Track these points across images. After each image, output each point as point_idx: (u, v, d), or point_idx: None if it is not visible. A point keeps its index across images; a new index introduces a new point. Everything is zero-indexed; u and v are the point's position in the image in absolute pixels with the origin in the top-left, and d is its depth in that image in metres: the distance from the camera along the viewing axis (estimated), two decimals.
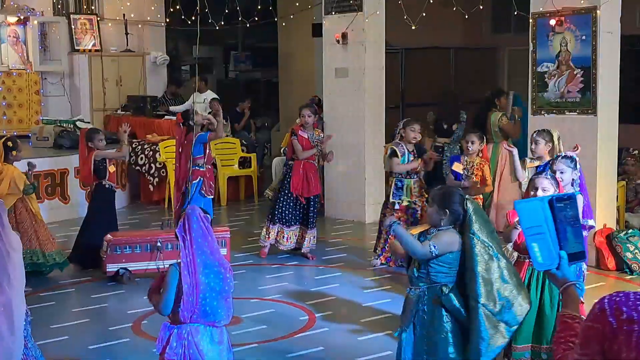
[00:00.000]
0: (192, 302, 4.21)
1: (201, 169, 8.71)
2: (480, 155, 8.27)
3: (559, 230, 2.44)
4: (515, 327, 4.71)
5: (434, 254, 4.59)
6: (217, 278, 4.28)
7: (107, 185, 8.52)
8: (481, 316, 4.53)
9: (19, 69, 13.56)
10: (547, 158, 7.08)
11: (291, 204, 8.85)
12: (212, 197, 9.14)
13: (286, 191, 8.84)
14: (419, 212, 8.19)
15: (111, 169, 8.59)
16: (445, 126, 11.15)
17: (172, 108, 12.83)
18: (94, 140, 8.46)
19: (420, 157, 8.38)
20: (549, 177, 5.51)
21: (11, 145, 7.74)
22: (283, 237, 8.88)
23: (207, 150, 8.85)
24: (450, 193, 4.85)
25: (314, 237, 9.00)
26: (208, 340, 4.29)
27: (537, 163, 7.27)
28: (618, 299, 2.07)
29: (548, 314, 5.33)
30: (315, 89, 14.35)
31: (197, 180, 8.67)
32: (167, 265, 7.62)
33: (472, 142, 8.26)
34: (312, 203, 8.90)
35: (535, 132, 7.51)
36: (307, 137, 8.82)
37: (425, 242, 4.64)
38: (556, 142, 7.20)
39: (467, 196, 4.84)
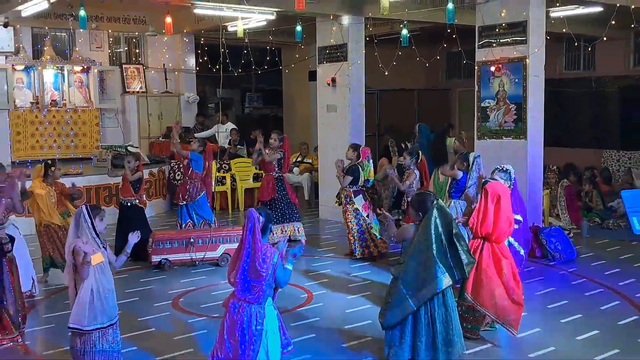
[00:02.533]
0: (237, 279, 4.23)
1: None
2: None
3: None
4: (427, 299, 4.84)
5: (393, 242, 4.99)
6: (251, 266, 4.20)
7: (121, 201, 8.43)
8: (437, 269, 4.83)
9: (83, 106, 13.54)
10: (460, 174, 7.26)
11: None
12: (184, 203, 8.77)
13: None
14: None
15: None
16: (403, 146, 11.23)
17: (197, 135, 12.81)
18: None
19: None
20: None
21: (50, 163, 7.48)
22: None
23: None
24: (422, 197, 5.05)
25: (298, 229, 8.97)
26: (247, 314, 4.24)
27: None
28: None
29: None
30: (311, 122, 14.40)
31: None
32: (199, 256, 7.67)
33: (404, 158, 8.45)
34: (274, 205, 8.82)
35: (458, 156, 7.63)
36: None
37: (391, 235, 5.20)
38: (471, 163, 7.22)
39: (436, 199, 4.94)
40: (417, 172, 8.43)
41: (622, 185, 11.33)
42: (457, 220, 5.43)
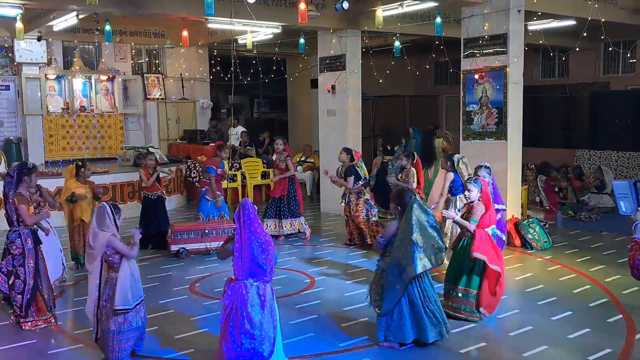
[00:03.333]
0: (241, 265, 4.26)
1: (206, 181, 8.55)
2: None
3: (638, 195, 3.45)
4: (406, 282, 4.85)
5: (384, 243, 5.02)
6: (260, 249, 4.28)
7: (145, 194, 8.48)
8: (415, 255, 4.83)
9: (108, 112, 13.55)
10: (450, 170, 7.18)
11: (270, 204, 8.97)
12: (217, 200, 8.55)
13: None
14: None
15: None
16: (389, 148, 11.23)
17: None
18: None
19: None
20: (473, 181, 5.64)
21: (81, 164, 7.45)
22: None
23: (220, 172, 8.61)
24: (401, 194, 5.12)
25: (302, 224, 8.92)
26: (254, 293, 4.29)
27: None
28: None
29: (459, 265, 5.52)
30: (312, 125, 14.39)
31: (204, 188, 8.63)
32: (213, 245, 7.69)
33: (401, 159, 8.38)
34: (284, 201, 8.81)
35: (444, 156, 7.60)
36: (275, 158, 8.96)
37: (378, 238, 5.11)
38: (455, 162, 7.20)
39: (413, 195, 4.97)
40: (413, 170, 8.39)
41: (594, 182, 11.31)
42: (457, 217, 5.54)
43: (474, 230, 5.43)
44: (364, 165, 8.62)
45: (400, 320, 4.88)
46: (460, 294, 5.50)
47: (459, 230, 5.89)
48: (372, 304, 5.08)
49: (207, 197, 8.58)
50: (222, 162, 8.70)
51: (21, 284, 5.43)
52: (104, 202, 4.82)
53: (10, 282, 5.47)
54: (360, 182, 8.35)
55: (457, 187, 7.26)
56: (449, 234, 6.97)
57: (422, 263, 4.80)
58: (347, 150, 8.53)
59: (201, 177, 8.89)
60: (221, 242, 7.89)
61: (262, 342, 4.28)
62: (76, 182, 7.29)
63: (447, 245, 5.30)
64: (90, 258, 4.68)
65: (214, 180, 8.47)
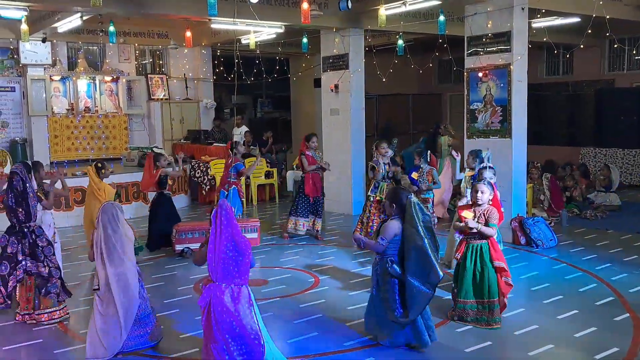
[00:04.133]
0: (215, 267, 4.20)
1: (234, 180, 8.65)
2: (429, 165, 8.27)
3: None
4: (434, 284, 4.78)
5: (385, 245, 4.82)
6: (236, 252, 4.20)
7: (166, 194, 8.42)
8: (436, 265, 4.72)
9: (113, 112, 13.55)
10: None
11: (306, 203, 8.82)
12: (243, 199, 8.94)
13: (302, 194, 8.80)
14: None
15: (170, 182, 8.54)
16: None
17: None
18: (159, 161, 8.28)
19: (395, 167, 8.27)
20: (486, 183, 5.54)
21: (100, 165, 7.56)
22: (299, 225, 8.82)
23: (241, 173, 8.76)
24: (398, 192, 4.94)
25: (320, 224, 8.96)
26: (228, 295, 4.22)
27: (471, 172, 7.23)
28: None
29: (478, 277, 5.35)
30: (315, 124, 14.37)
31: (232, 187, 8.67)
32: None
33: (415, 159, 8.32)
34: (319, 201, 8.85)
35: (470, 152, 7.49)
36: (311, 155, 8.83)
37: (378, 239, 4.86)
38: (484, 157, 7.16)
39: (410, 195, 4.86)
40: (434, 169, 8.35)
41: (604, 180, 11.24)
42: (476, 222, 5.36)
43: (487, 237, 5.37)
44: None
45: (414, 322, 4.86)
46: (487, 307, 5.35)
47: (458, 236, 5.81)
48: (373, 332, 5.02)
49: (240, 198, 8.70)
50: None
51: (56, 271, 5.69)
52: (109, 204, 4.83)
53: (47, 271, 5.63)
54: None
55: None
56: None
57: (439, 265, 4.76)
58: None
59: (228, 178, 8.75)
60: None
61: (249, 342, 4.22)
62: (105, 183, 7.49)
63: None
64: (108, 260, 4.70)
65: (245, 171, 8.77)
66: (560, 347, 4.97)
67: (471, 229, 5.29)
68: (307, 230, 8.89)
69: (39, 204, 5.79)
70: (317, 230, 8.92)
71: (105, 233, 4.67)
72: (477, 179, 6.67)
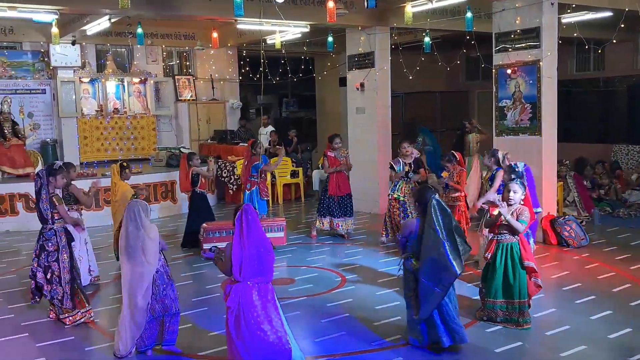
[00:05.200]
0: (241, 267, 4.24)
1: (256, 180, 8.71)
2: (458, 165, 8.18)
3: None
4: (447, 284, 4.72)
5: (402, 240, 4.95)
6: (264, 251, 4.29)
7: (198, 192, 8.51)
8: (451, 261, 4.67)
9: (141, 113, 13.71)
10: (494, 167, 6.99)
11: (333, 202, 8.83)
12: (268, 198, 8.97)
13: (326, 194, 8.84)
14: (407, 205, 7.95)
15: (202, 180, 8.59)
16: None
17: None
18: (192, 160, 8.50)
19: (416, 171, 8.18)
20: (518, 182, 5.48)
21: (125, 165, 7.67)
22: (320, 223, 8.86)
23: (261, 171, 8.80)
24: (422, 191, 4.97)
25: (352, 224, 8.94)
26: (256, 293, 4.29)
27: (490, 173, 7.10)
28: None
29: (511, 277, 5.27)
30: (341, 123, 14.35)
31: (255, 187, 8.73)
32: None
33: (443, 162, 8.21)
34: (345, 199, 8.84)
35: (487, 151, 7.39)
36: (334, 156, 8.84)
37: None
38: (501, 159, 6.96)
39: (435, 194, 4.81)
40: (464, 169, 8.26)
41: (638, 178, 11.00)
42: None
43: (517, 236, 5.30)
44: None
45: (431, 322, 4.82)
46: (517, 308, 5.27)
47: (487, 236, 5.75)
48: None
49: (262, 197, 8.78)
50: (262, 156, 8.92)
51: (57, 278, 5.62)
52: (133, 201, 4.89)
53: (48, 276, 5.64)
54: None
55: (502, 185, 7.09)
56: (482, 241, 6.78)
57: (457, 263, 4.68)
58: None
59: (250, 177, 8.83)
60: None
61: (280, 339, 4.27)
62: (123, 183, 7.54)
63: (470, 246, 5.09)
64: (125, 255, 4.74)
65: (266, 166, 8.84)
66: (593, 348, 4.88)
67: (501, 218, 5.21)
68: (330, 229, 8.88)
69: (59, 207, 5.68)
70: (347, 230, 8.90)
71: (127, 230, 4.72)
72: (493, 178, 6.63)
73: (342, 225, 8.83)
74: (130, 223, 4.71)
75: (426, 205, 4.76)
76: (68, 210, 6.09)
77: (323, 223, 8.88)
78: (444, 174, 8.09)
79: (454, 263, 4.65)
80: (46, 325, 5.68)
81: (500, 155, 6.97)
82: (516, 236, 5.28)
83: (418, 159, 8.40)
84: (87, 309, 5.73)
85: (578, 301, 5.95)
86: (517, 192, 5.33)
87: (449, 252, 4.66)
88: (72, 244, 5.85)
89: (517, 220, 5.24)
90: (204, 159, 12.63)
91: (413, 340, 4.90)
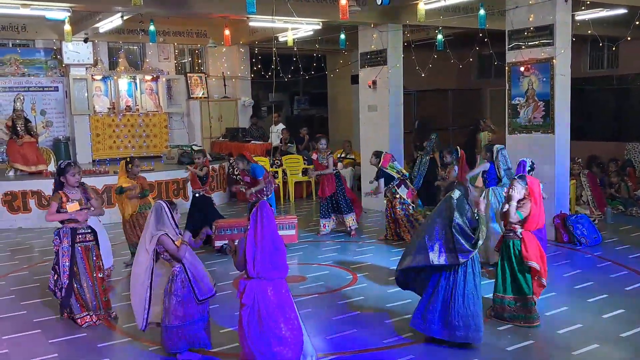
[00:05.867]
0: (254, 264, 4.27)
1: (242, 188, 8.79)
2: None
3: None
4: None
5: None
6: (276, 248, 4.32)
7: (194, 192, 8.52)
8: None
9: (153, 111, 13.83)
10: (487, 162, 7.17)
11: (324, 204, 9.01)
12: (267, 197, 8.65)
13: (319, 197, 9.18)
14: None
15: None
16: (418, 144, 11.22)
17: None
18: (198, 158, 8.44)
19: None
20: (519, 178, 5.51)
21: (129, 160, 7.66)
22: (321, 226, 9.05)
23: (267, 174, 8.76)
24: (451, 188, 5.02)
25: (352, 220, 8.96)
26: (271, 289, 4.32)
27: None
28: None
29: (516, 273, 5.31)
30: (353, 121, 14.36)
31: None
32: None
33: (445, 157, 8.41)
34: (336, 198, 8.89)
35: (484, 146, 7.50)
36: (316, 158, 8.99)
37: None
38: (494, 153, 7.15)
39: (459, 192, 4.85)
40: (456, 167, 8.44)
41: None
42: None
43: (522, 233, 5.31)
44: (397, 164, 8.70)
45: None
46: (522, 304, 5.30)
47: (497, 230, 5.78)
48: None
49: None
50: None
51: (60, 281, 5.62)
52: (160, 201, 4.91)
53: (55, 278, 5.68)
54: (395, 181, 8.42)
55: (490, 179, 7.19)
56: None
57: (434, 254, 4.77)
58: (377, 154, 8.62)
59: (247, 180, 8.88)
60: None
61: (293, 334, 4.31)
62: (126, 178, 7.53)
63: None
64: (147, 255, 4.77)
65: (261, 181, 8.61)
66: (605, 346, 4.88)
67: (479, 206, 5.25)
68: (333, 229, 9.04)
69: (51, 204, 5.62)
70: (350, 227, 8.94)
71: (148, 224, 4.81)
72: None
73: (333, 225, 9.01)
74: (151, 223, 4.76)
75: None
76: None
77: (324, 225, 8.99)
78: (442, 171, 8.26)
79: (432, 251, 4.76)
80: (59, 323, 5.74)
81: (494, 149, 7.09)
82: (519, 234, 5.31)
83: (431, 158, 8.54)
84: (87, 314, 5.58)
85: (590, 300, 5.94)
86: (515, 187, 5.39)
87: (460, 239, 4.71)
88: (85, 245, 5.67)
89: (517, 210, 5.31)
90: (218, 157, 12.76)
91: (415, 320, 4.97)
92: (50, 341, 5.29)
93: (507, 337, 5.06)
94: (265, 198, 8.24)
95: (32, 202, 10.22)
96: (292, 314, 4.36)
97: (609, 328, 5.24)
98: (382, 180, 8.42)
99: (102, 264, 5.84)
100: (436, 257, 4.74)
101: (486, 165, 7.22)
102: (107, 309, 5.75)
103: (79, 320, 5.59)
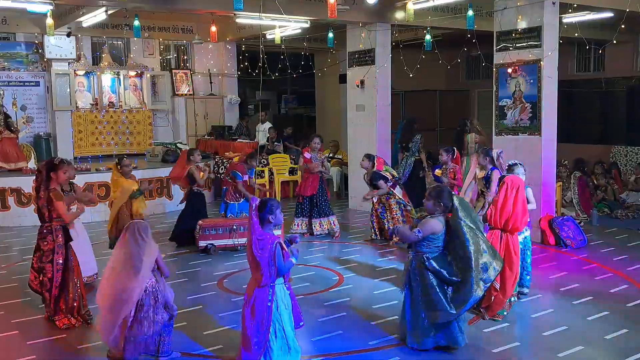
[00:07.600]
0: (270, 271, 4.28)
1: (229, 181, 8.70)
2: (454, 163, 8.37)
3: None
4: (489, 284, 4.71)
5: (419, 237, 4.74)
6: (260, 249, 4.27)
7: (196, 190, 8.49)
8: (473, 279, 4.60)
9: (137, 107, 13.74)
10: (489, 167, 6.87)
11: (300, 202, 8.98)
12: (236, 202, 8.68)
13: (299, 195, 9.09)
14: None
15: (202, 176, 8.49)
16: (404, 144, 11.27)
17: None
18: (193, 156, 8.47)
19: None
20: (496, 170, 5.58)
21: (118, 161, 7.66)
22: (295, 225, 8.96)
23: (247, 179, 8.72)
24: (442, 191, 4.89)
25: (332, 222, 8.90)
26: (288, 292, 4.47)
27: (483, 173, 6.90)
28: None
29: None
30: (341, 120, 14.37)
31: (225, 187, 8.81)
32: (242, 242, 7.73)
33: (440, 155, 8.43)
34: (314, 200, 8.85)
35: (480, 150, 7.32)
36: (309, 157, 8.91)
37: (414, 229, 4.78)
38: (495, 158, 6.92)
39: (453, 192, 4.87)
40: (457, 166, 8.44)
41: (636, 180, 11.05)
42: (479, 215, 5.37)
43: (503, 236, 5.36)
44: (389, 167, 8.78)
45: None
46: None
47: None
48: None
49: (226, 199, 8.73)
50: (251, 170, 8.86)
51: (48, 282, 5.47)
52: (132, 222, 4.73)
53: (40, 279, 5.54)
54: (389, 182, 8.45)
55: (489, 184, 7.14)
56: None
57: (478, 293, 4.65)
58: (369, 157, 8.63)
59: (226, 176, 8.95)
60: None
61: (254, 345, 4.31)
62: (125, 179, 7.52)
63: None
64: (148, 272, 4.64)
65: (241, 185, 8.56)
66: (590, 348, 4.93)
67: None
68: (302, 231, 8.87)
69: (57, 204, 5.42)
70: (332, 230, 8.90)
71: (125, 247, 4.59)
72: (489, 179, 6.64)
73: (324, 225, 8.88)
74: (130, 240, 4.56)
75: (446, 204, 4.75)
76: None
77: (298, 224, 8.93)
78: (438, 172, 8.24)
79: (475, 286, 4.61)
80: (38, 323, 5.65)
81: (494, 153, 6.99)
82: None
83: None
84: (65, 316, 5.48)
85: (575, 302, 6.00)
86: (493, 181, 5.39)
87: (472, 272, 4.62)
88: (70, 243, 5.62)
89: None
90: (204, 155, 12.69)
91: (412, 342, 4.87)
92: (28, 343, 5.22)
93: (493, 340, 5.09)
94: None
95: (11, 200, 10.09)
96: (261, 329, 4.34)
97: (594, 330, 5.30)
98: (382, 182, 8.37)
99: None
100: (480, 288, 4.66)
101: (497, 174, 6.63)
102: (85, 310, 5.67)
103: (57, 322, 5.49)
